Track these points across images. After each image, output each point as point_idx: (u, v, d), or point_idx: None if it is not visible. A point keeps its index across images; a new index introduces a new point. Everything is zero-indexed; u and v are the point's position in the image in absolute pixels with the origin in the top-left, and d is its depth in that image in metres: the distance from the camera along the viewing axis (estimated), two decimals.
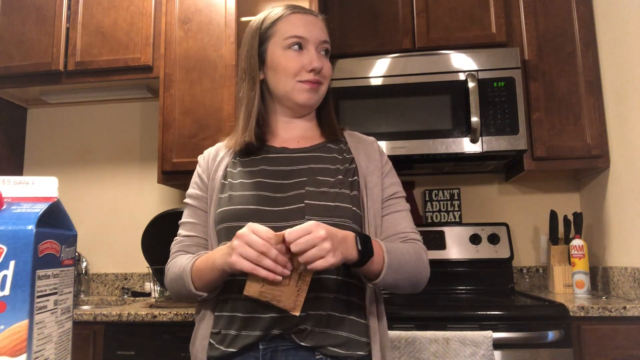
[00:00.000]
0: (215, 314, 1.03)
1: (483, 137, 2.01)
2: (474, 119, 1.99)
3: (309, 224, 0.84)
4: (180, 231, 1.12)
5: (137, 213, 2.53)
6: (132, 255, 2.47)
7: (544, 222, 2.31)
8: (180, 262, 1.03)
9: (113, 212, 2.57)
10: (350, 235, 0.90)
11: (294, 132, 1.13)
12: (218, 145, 1.18)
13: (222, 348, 0.98)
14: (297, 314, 0.86)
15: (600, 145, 2.03)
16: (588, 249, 2.10)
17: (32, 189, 0.57)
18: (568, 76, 2.10)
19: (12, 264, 0.50)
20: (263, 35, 1.11)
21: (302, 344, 0.94)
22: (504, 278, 2.21)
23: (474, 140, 2.01)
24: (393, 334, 1.56)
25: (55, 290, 0.55)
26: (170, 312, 1.74)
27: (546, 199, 2.37)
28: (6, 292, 0.50)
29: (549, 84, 2.10)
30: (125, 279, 2.49)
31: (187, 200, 1.13)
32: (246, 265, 0.83)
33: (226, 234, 1.02)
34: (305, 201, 0.99)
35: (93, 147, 2.64)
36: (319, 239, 0.82)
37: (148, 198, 2.55)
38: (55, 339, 0.55)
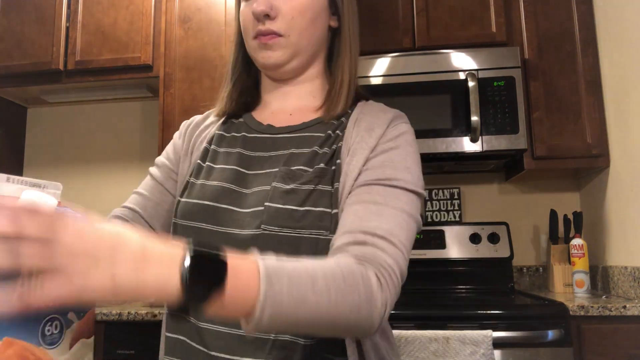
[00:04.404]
0: (166, 334, 0.75)
1: (483, 136, 2.01)
2: (474, 118, 1.99)
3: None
4: (126, 202, 0.86)
5: None
6: None
7: (544, 222, 2.31)
8: None
9: None
10: (163, 251, 0.46)
11: (287, 101, 0.85)
12: (210, 111, 0.91)
13: None
14: None
15: (600, 145, 2.03)
16: (588, 248, 2.09)
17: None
18: (568, 75, 2.10)
19: None
20: None
21: None
22: (504, 277, 2.21)
23: (474, 140, 2.01)
24: (393, 333, 1.56)
25: None
26: None
27: (546, 198, 2.37)
28: None
29: (549, 83, 2.10)
30: None
31: (150, 168, 0.90)
32: None
33: (177, 232, 0.76)
34: (266, 203, 0.70)
35: (93, 147, 2.64)
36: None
37: None
38: None
